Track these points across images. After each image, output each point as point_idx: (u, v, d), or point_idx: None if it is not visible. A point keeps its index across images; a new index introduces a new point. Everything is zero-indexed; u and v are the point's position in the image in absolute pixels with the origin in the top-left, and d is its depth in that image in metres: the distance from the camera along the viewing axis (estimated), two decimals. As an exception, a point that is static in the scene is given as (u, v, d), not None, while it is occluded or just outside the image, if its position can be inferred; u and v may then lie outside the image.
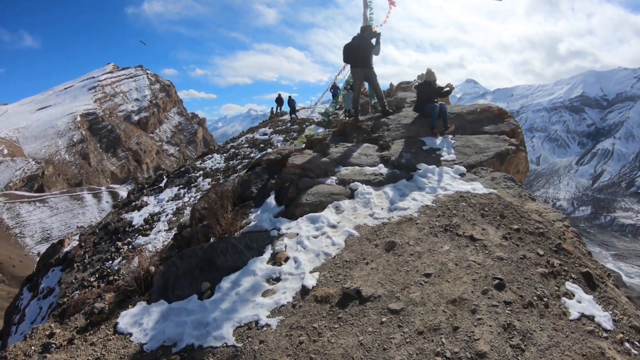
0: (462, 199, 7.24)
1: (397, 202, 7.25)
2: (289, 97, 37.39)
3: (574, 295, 5.09)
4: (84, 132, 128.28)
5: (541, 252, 5.82)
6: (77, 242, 23.19)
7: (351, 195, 7.73)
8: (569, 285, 5.27)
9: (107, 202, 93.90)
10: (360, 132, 11.17)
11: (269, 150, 10.78)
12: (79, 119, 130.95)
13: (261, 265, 5.97)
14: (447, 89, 10.95)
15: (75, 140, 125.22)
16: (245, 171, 11.62)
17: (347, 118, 29.59)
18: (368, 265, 5.69)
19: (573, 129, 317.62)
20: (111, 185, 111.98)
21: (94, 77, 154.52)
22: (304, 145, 11.57)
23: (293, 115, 36.24)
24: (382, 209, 7.13)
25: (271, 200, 8.07)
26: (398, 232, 6.39)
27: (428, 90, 10.99)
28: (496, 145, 9.61)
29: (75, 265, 20.69)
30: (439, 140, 9.98)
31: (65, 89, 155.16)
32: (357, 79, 11.77)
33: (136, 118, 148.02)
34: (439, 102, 10.97)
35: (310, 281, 5.45)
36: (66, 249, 23.08)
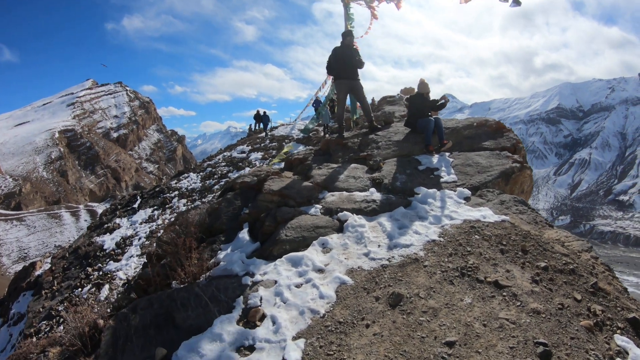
0: (474, 230, 6.00)
1: (397, 237, 5.93)
2: (263, 112, 36.32)
3: (627, 354, 3.97)
4: (62, 149, 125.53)
5: (578, 297, 4.67)
6: (49, 266, 22.06)
7: (340, 229, 6.42)
8: (619, 339, 4.15)
9: (86, 220, 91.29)
10: (346, 150, 9.98)
11: (245, 171, 9.50)
12: (57, 135, 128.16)
13: (230, 327, 4.54)
14: (442, 101, 9.74)
15: (53, 157, 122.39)
16: (217, 195, 10.30)
17: (326, 134, 28.60)
18: (369, 328, 4.31)
19: (550, 140, 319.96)
20: (89, 204, 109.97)
21: (72, 93, 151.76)
22: (282, 165, 10.39)
23: (266, 131, 35.35)
24: (379, 246, 5.81)
25: (244, 234, 6.71)
26: (403, 279, 5.04)
27: (421, 103, 9.78)
28: (499, 163, 8.42)
29: (43, 292, 19.59)
30: (435, 159, 8.80)
31: (44, 104, 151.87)
32: (342, 92, 10.58)
33: (115, 135, 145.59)
34: (433, 115, 9.81)
35: (294, 353, 4.03)
36: (37, 272, 22.15)
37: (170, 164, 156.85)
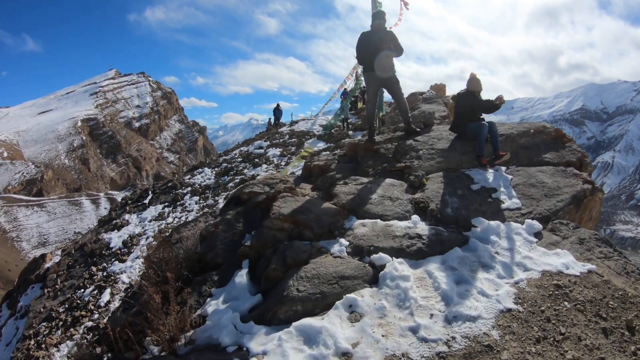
0: (561, 291, 4.27)
1: (457, 302, 4.11)
2: (277, 105, 34.85)
3: None
4: (84, 138, 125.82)
5: None
6: (59, 258, 20.88)
7: (374, 279, 4.60)
8: None
9: (105, 208, 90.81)
10: (377, 158, 8.13)
11: (260, 172, 7.71)
12: (79, 124, 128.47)
13: None
14: (498, 102, 7.77)
15: (75, 145, 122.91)
16: (221, 208, 8.51)
17: (347, 130, 26.82)
18: None
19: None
20: (109, 192, 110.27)
21: (95, 83, 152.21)
22: (301, 166, 8.69)
23: (277, 124, 34.18)
24: (431, 315, 3.98)
25: (242, 278, 4.93)
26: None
27: (472, 104, 7.85)
28: (568, 184, 6.56)
29: (46, 291, 18.41)
30: (491, 175, 6.90)
31: (67, 93, 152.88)
32: (373, 86, 8.59)
33: (137, 125, 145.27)
34: (485, 120, 7.96)
35: None
36: (47, 265, 20.95)
37: (191, 154, 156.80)
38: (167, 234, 8.54)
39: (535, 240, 5.24)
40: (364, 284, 4.51)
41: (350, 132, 24.66)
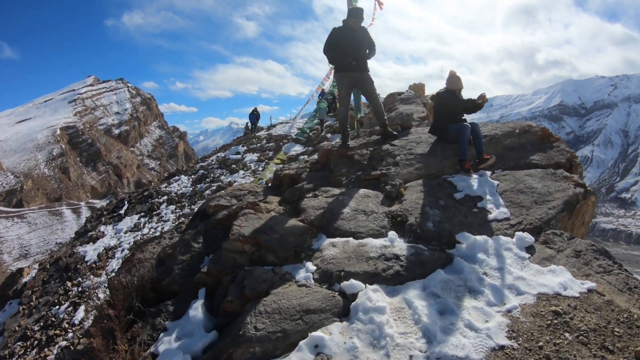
0: (559, 319, 3.72)
1: (440, 339, 3.47)
2: (253, 109, 34.05)
3: None
4: (63, 146, 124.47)
5: None
6: (36, 272, 20.26)
7: (345, 311, 3.95)
8: None
9: (86, 217, 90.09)
10: (351, 165, 7.46)
11: (228, 188, 7.07)
12: (58, 132, 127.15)
13: None
14: (480, 101, 7.17)
15: (55, 154, 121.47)
16: (187, 223, 7.89)
17: (322, 130, 26.15)
18: None
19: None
20: (90, 201, 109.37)
21: (74, 90, 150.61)
22: (268, 181, 8.19)
23: (254, 128, 33.48)
24: (410, 357, 3.34)
25: (197, 312, 4.26)
26: None
27: (452, 104, 7.24)
28: (559, 188, 5.99)
29: (20, 308, 17.91)
30: (475, 181, 6.30)
31: (46, 101, 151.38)
32: (345, 87, 7.91)
33: (117, 132, 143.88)
34: (468, 120, 7.40)
35: None
36: (25, 279, 20.34)
37: (172, 160, 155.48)
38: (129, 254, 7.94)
39: (527, 255, 4.67)
40: (333, 317, 3.86)
41: (329, 135, 23.95)
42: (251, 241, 4.95)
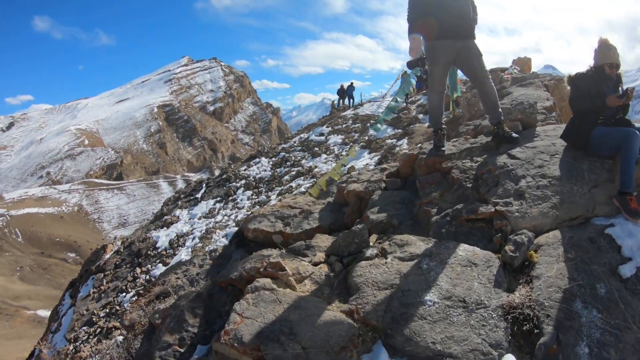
0: None
1: None
2: (350, 84, 31.67)
3: None
4: (160, 123, 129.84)
5: None
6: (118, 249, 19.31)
7: None
8: None
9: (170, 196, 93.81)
10: (447, 187, 4.78)
11: (271, 206, 4.94)
12: (156, 110, 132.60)
13: None
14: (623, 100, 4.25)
15: (152, 130, 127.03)
16: (227, 244, 5.70)
17: (406, 104, 23.06)
18: None
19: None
20: (186, 174, 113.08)
21: (169, 70, 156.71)
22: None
23: (351, 103, 31.19)
24: None
25: None
26: None
27: (600, 96, 4.27)
28: None
29: (91, 292, 16.57)
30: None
31: (143, 82, 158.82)
32: (441, 63, 5.22)
33: (211, 108, 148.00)
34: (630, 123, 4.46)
35: None
36: (107, 256, 19.05)
37: (266, 135, 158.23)
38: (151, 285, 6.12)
39: None
40: None
41: (421, 116, 20.79)
42: (254, 354, 2.57)
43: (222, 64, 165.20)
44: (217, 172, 48.46)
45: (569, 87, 4.79)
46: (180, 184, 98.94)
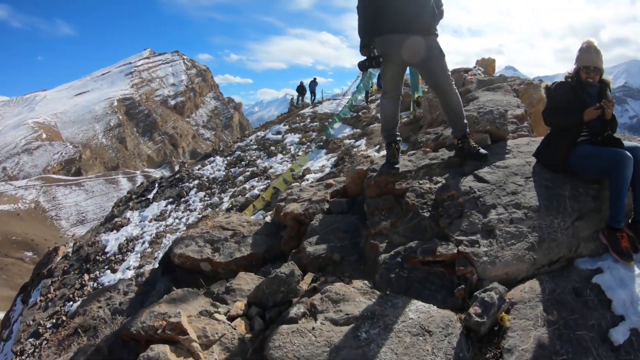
0: None
1: None
2: (312, 79, 31.11)
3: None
4: (120, 117, 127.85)
5: None
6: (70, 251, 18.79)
7: None
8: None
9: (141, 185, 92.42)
10: (399, 213, 3.99)
11: (201, 226, 4.36)
12: (116, 103, 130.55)
13: None
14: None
15: (112, 124, 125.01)
16: (152, 270, 5.09)
17: (366, 102, 22.71)
18: None
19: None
20: (146, 170, 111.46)
21: (130, 63, 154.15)
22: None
23: (311, 99, 30.65)
24: None
25: None
26: None
27: (579, 109, 3.65)
28: None
29: (38, 300, 16.45)
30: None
31: (103, 74, 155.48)
32: (395, 62, 4.27)
33: (172, 103, 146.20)
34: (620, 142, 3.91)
35: None
36: (59, 259, 18.71)
37: (227, 130, 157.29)
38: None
39: None
40: None
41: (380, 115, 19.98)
42: None
43: (185, 57, 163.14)
44: (177, 168, 47.77)
45: (545, 96, 4.19)
46: (140, 180, 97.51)
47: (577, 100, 3.71)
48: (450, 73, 4.33)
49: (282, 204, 5.10)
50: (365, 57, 4.07)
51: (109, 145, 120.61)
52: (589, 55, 3.76)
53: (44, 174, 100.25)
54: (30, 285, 18.85)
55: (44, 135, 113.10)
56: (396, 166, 4.48)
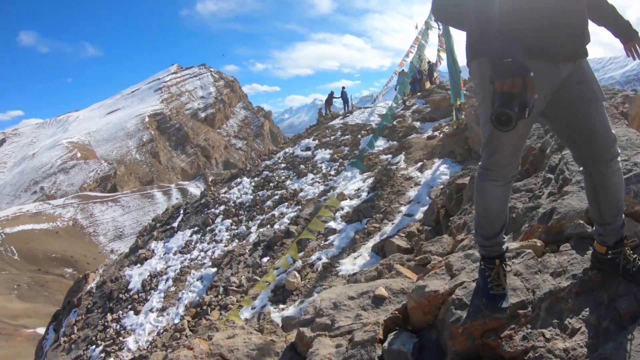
0: None
1: None
2: (342, 88, 29.34)
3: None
4: (152, 132, 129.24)
5: None
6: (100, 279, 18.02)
7: None
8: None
9: (177, 198, 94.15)
10: None
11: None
12: (147, 119, 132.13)
13: None
14: None
15: (144, 140, 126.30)
16: None
17: (404, 105, 20.87)
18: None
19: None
20: (180, 182, 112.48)
21: (159, 79, 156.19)
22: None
23: (344, 108, 28.94)
24: None
25: None
26: None
27: None
28: None
29: (62, 340, 15.21)
30: None
31: (133, 92, 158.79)
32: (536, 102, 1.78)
33: (203, 115, 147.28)
34: None
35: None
36: (90, 286, 18.03)
37: (259, 139, 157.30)
38: None
39: None
40: None
41: (417, 124, 18.13)
42: None
43: (212, 70, 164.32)
44: (210, 179, 47.03)
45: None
46: (175, 193, 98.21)
47: None
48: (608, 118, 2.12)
49: (307, 331, 3.05)
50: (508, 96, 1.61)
51: (143, 161, 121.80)
52: None
53: (80, 192, 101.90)
54: (61, 314, 18.12)
55: (79, 154, 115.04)
56: (504, 306, 2.24)
